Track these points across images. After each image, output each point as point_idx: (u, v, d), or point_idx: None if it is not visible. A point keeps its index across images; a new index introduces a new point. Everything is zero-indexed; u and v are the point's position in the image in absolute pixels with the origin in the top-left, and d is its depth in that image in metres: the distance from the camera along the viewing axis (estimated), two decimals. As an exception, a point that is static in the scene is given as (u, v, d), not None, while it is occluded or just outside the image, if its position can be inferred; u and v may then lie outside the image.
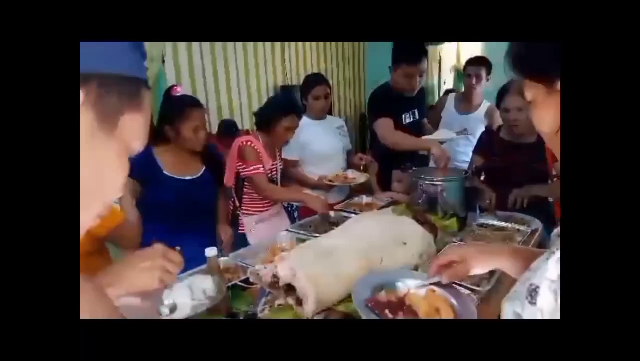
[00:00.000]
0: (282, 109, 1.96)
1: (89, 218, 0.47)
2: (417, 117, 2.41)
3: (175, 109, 1.63)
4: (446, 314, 0.92)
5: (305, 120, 2.21)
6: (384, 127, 2.25)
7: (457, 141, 2.57)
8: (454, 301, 0.97)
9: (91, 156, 0.44)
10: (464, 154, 2.65)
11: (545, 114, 0.80)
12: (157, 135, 1.68)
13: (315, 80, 2.27)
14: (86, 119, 0.43)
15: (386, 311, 0.92)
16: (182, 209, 1.67)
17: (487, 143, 2.11)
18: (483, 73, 2.60)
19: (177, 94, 1.65)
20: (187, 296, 1.05)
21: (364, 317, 0.92)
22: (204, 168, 1.78)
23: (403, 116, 2.34)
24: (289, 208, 2.27)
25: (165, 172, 1.67)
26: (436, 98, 5.16)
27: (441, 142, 2.16)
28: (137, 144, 0.49)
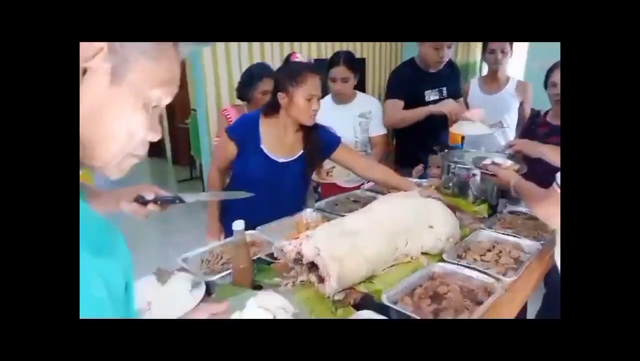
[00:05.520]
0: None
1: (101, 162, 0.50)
2: (444, 95, 2.29)
3: (291, 73, 1.51)
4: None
5: (327, 101, 2.13)
6: (389, 109, 2.20)
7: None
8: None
9: (104, 109, 0.47)
10: (504, 139, 2.54)
11: None
12: (268, 104, 1.62)
13: (333, 61, 2.11)
14: (104, 70, 0.45)
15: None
16: (267, 188, 1.59)
17: (531, 125, 2.02)
18: (508, 47, 2.36)
19: (296, 59, 1.57)
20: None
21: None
22: (301, 151, 1.65)
23: (426, 93, 2.24)
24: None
25: (261, 145, 1.59)
26: (477, 74, 4.96)
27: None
28: (155, 94, 0.51)
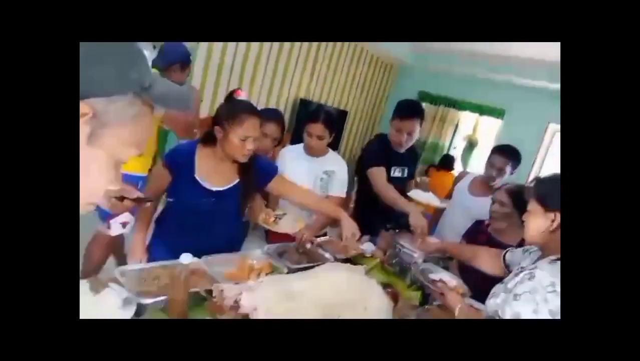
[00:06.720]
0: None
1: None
2: (405, 175, 2.46)
3: (230, 112, 1.54)
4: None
5: (298, 149, 2.18)
6: (378, 176, 2.28)
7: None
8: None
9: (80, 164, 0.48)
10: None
11: (533, 227, 1.11)
12: (206, 134, 1.62)
13: (313, 115, 2.09)
14: (83, 131, 0.47)
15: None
16: (200, 216, 1.61)
17: (474, 231, 2.17)
18: (508, 168, 2.30)
19: (238, 97, 1.59)
20: None
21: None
22: (237, 180, 1.66)
23: (392, 168, 2.39)
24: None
25: (195, 175, 1.60)
26: (438, 158, 5.24)
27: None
28: (126, 153, 0.53)
